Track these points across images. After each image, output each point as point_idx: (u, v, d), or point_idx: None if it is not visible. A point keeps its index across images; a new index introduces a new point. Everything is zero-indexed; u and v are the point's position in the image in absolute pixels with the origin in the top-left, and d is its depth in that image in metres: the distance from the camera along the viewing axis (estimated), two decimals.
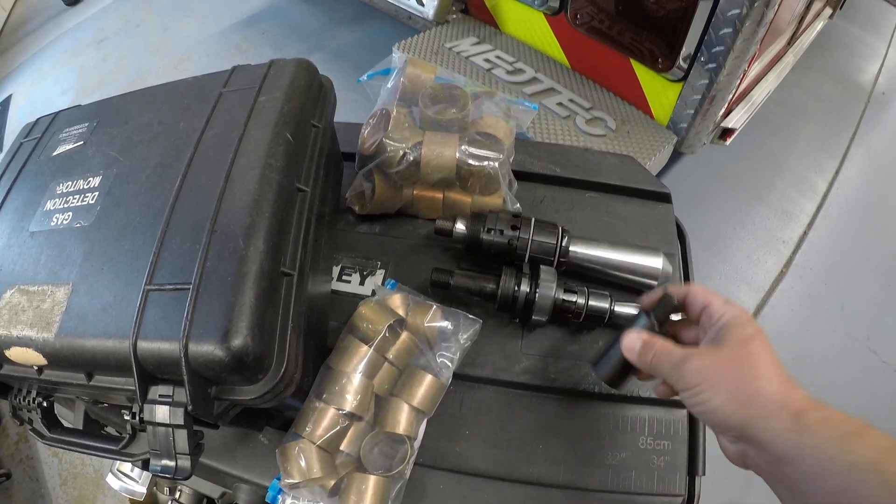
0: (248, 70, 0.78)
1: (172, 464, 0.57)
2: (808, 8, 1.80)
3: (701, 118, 1.45)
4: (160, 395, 0.57)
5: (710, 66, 1.34)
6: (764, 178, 2.46)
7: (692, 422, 0.82)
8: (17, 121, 3.30)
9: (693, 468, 0.80)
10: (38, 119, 0.89)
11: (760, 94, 1.80)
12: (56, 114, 0.88)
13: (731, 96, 1.46)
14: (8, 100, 3.46)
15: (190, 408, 0.55)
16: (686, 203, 2.29)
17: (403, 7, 1.88)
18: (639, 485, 0.73)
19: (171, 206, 0.64)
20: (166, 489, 1.52)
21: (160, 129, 0.75)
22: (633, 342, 0.61)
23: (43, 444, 1.95)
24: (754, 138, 2.51)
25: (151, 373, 0.57)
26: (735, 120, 1.60)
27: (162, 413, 0.57)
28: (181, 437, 0.57)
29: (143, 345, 0.55)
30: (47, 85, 3.40)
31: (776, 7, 1.22)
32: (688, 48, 1.34)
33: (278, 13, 3.15)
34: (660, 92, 1.48)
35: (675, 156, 2.28)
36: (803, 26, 1.95)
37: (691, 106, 1.43)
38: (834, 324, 2.04)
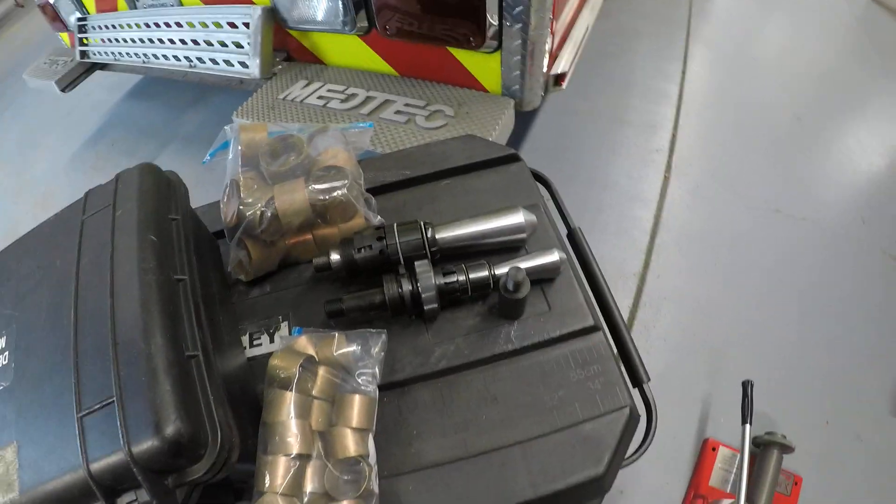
0: (99, 191, 0.87)
1: None
2: None
3: (528, 76, 1.61)
4: (127, 502, 0.65)
5: (517, 26, 1.49)
6: (619, 103, 2.68)
7: (617, 339, 0.95)
8: None
9: (636, 379, 0.93)
10: None
11: (580, 32, 1.98)
12: None
13: (549, 46, 1.63)
14: None
15: (154, 502, 0.63)
16: (555, 152, 2.47)
17: (232, 75, 1.98)
18: (585, 412, 0.83)
19: (73, 337, 0.72)
20: None
21: (41, 273, 0.83)
22: None
23: None
24: (598, 71, 2.74)
25: (111, 487, 0.65)
26: (563, 64, 1.77)
27: None
28: None
29: (96, 466, 0.63)
30: None
31: None
32: (491, 19, 1.49)
33: (122, 119, 3.17)
34: (483, 66, 1.64)
35: (528, 116, 2.46)
36: None
37: (515, 68, 1.59)
38: (730, 204, 2.25)
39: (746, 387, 1.55)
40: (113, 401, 0.64)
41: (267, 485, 0.74)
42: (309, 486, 0.76)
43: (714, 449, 1.57)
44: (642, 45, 2.99)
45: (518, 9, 1.46)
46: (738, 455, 1.53)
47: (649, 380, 0.94)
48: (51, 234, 0.88)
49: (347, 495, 0.75)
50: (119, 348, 0.68)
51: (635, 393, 0.90)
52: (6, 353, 0.77)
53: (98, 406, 0.65)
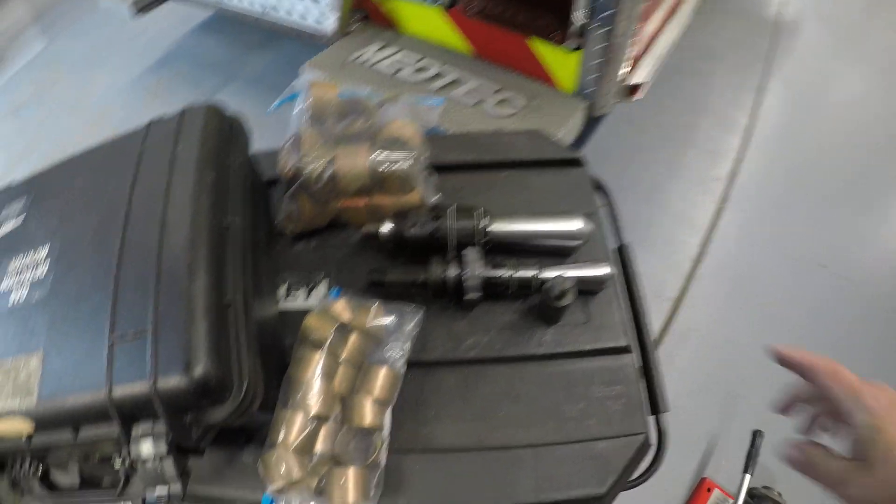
0: (163, 123, 0.86)
1: (165, 491, 0.66)
2: None
3: (605, 81, 1.57)
4: (142, 432, 0.65)
5: (603, 29, 1.45)
6: (687, 123, 2.60)
7: (646, 365, 0.92)
8: None
9: (655, 407, 0.90)
10: None
11: (664, 45, 1.92)
12: None
13: (631, 53, 1.58)
14: None
15: (170, 436, 0.64)
16: (617, 161, 2.41)
17: (305, 29, 1.96)
18: (600, 430, 0.81)
19: (117, 262, 0.71)
20: None
21: (93, 193, 0.83)
22: (793, 456, 0.62)
23: None
24: (671, 87, 2.64)
25: (130, 414, 0.65)
26: (642, 75, 1.72)
27: (147, 447, 0.65)
28: (168, 466, 0.66)
29: (118, 390, 0.63)
30: None
31: None
32: (578, 17, 1.45)
33: (187, 51, 3.17)
34: (561, 63, 1.60)
35: (596, 119, 2.41)
36: None
37: (593, 71, 1.55)
38: (779, 247, 2.18)
39: (755, 437, 1.52)
40: (147, 332, 0.64)
41: (281, 438, 0.74)
42: (319, 447, 0.75)
43: (709, 490, 1.54)
44: (719, 69, 2.88)
45: (607, 12, 1.41)
46: (732, 502, 1.50)
47: (668, 410, 0.92)
48: (108, 156, 0.88)
49: (355, 462, 0.74)
50: (161, 281, 0.68)
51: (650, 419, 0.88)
52: (47, 263, 0.77)
53: (131, 334, 0.65)
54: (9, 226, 0.86)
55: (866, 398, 0.55)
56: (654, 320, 1.93)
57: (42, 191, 0.88)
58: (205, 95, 2.95)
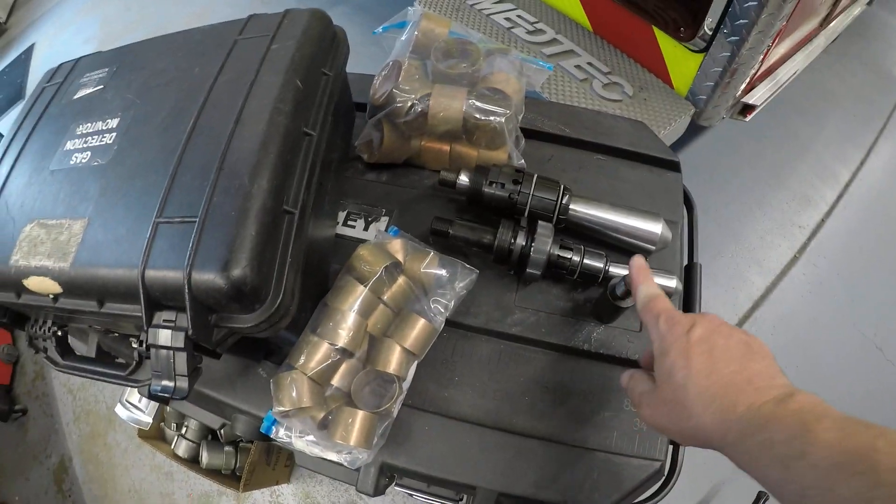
0: (264, 18, 0.80)
1: (171, 384, 0.61)
2: None
3: (721, 91, 1.43)
4: (164, 320, 0.61)
5: (733, 38, 1.31)
6: (786, 160, 2.42)
7: None
8: (39, 69, 3.34)
9: None
10: (60, 65, 0.93)
11: (786, 73, 1.76)
12: (77, 59, 0.92)
13: (753, 71, 1.44)
14: (31, 48, 3.50)
15: (190, 332, 0.59)
16: (703, 177, 2.27)
17: None
18: (619, 445, 0.75)
19: (183, 145, 0.67)
20: (174, 424, 1.60)
21: (176, 74, 0.78)
22: (621, 381, 0.65)
23: (57, 382, 2.04)
24: (779, 118, 2.45)
25: (157, 299, 0.61)
26: (757, 97, 1.57)
27: (164, 336, 0.61)
28: (181, 360, 0.61)
29: (151, 273, 0.59)
30: (70, 34, 3.43)
31: None
32: (711, 18, 1.31)
33: None
34: (681, 61, 1.46)
35: (697, 128, 2.25)
36: (838, 9, 1.89)
37: (711, 78, 1.41)
38: (842, 315, 2.02)
39: (761, 498, 1.46)
40: (195, 221, 0.60)
41: (301, 362, 0.70)
42: (337, 381, 0.71)
43: None
44: (833, 115, 2.65)
45: (742, 21, 1.27)
46: None
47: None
48: (200, 40, 0.82)
49: (367, 406, 0.70)
50: (222, 174, 0.63)
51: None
52: (114, 134, 0.74)
53: (178, 220, 0.61)
54: (87, 90, 0.83)
55: (661, 324, 0.56)
56: None
57: (127, 63, 0.85)
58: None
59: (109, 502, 1.92)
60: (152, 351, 0.61)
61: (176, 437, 1.59)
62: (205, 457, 1.54)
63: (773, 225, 2.22)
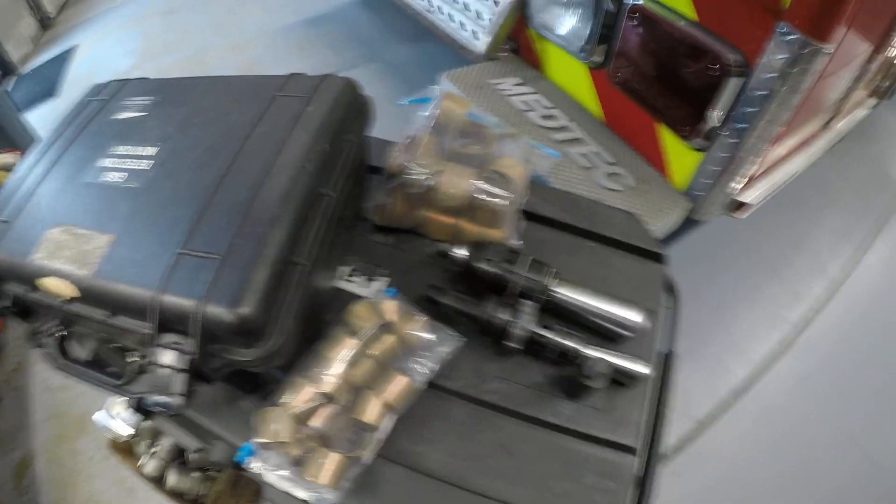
0: (303, 80, 0.89)
1: (168, 400, 0.68)
2: (847, 95, 1.85)
3: (716, 190, 1.52)
4: (170, 342, 0.68)
5: (732, 140, 1.40)
6: (780, 253, 2.48)
7: (646, 473, 0.89)
8: (77, 70, 3.47)
9: None
10: (108, 82, 1.00)
11: (784, 174, 1.84)
12: (125, 81, 1.00)
13: (750, 172, 1.53)
14: (72, 50, 3.64)
15: (194, 357, 0.67)
16: (697, 265, 2.31)
17: (458, 38, 1.99)
18: None
19: (214, 186, 0.75)
20: (144, 442, 1.62)
21: (215, 116, 0.87)
22: None
23: (38, 379, 2.05)
24: (777, 212, 2.49)
25: (167, 322, 0.68)
26: (752, 196, 1.66)
27: (169, 357, 0.68)
28: (179, 380, 0.68)
29: (167, 297, 0.66)
30: (111, 43, 3.56)
31: (804, 94, 1.29)
32: (712, 121, 1.41)
33: (343, 18, 3.28)
34: (681, 158, 1.55)
35: (694, 220, 2.34)
36: (841, 113, 1.99)
37: (709, 176, 1.50)
38: (825, 413, 2.04)
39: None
40: (215, 258, 0.67)
41: (284, 401, 0.76)
42: (316, 422, 0.76)
43: None
44: (830, 210, 2.70)
45: (742, 125, 1.37)
46: None
47: None
48: (243, 89, 0.91)
49: (341, 449, 0.75)
50: (246, 220, 0.70)
51: None
52: (151, 162, 0.80)
53: (200, 253, 0.68)
54: (130, 114, 0.91)
55: None
56: (672, 434, 1.85)
57: (171, 96, 0.92)
58: (344, 66, 3.07)
59: None
60: (154, 368, 0.68)
61: (145, 455, 1.61)
62: (171, 478, 1.55)
63: (763, 316, 2.26)
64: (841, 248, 2.58)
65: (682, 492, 1.77)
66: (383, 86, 2.85)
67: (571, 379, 0.87)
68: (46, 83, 3.45)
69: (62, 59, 3.57)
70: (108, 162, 0.83)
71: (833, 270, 2.49)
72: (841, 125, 2.12)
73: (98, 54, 3.53)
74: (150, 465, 1.58)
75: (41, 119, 3.11)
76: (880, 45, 1.65)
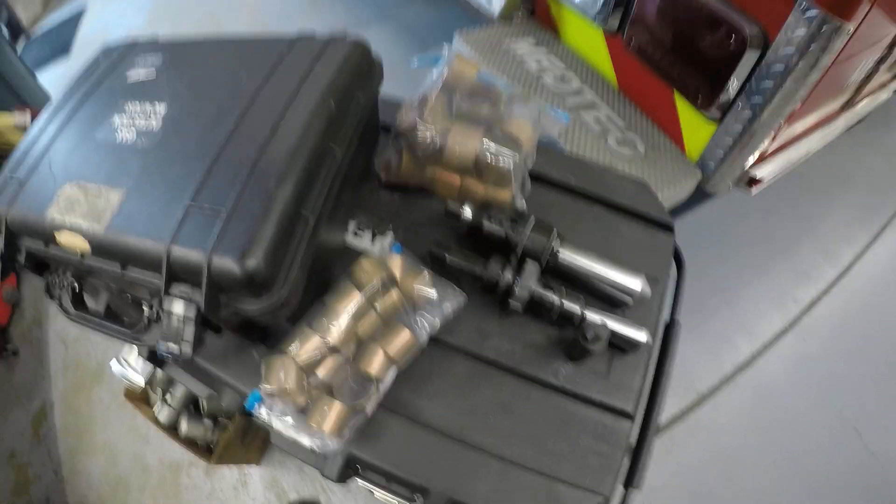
0: (310, 41, 0.90)
1: (177, 348, 0.71)
2: (869, 77, 1.81)
3: (729, 162, 1.51)
4: (180, 292, 0.71)
5: (747, 113, 1.39)
6: (791, 234, 2.47)
7: (640, 439, 0.92)
8: (88, 32, 3.47)
9: (630, 480, 0.90)
10: (118, 44, 1.02)
11: (799, 152, 1.82)
12: (135, 41, 1.01)
13: (764, 147, 1.51)
14: (83, 11, 3.64)
15: (202, 307, 0.69)
16: (706, 240, 2.32)
17: (472, 1, 1.97)
18: (569, 475, 0.82)
19: (222, 143, 0.77)
20: (159, 390, 1.68)
21: (224, 76, 0.88)
22: None
23: (53, 331, 2.12)
24: (790, 194, 2.50)
25: (177, 273, 0.71)
26: (765, 171, 1.64)
27: (179, 306, 0.71)
28: (189, 328, 0.71)
29: (176, 249, 0.69)
30: (122, 4, 3.56)
31: (822, 71, 1.27)
32: (728, 91, 1.39)
33: None
34: (695, 127, 1.54)
35: (706, 195, 2.33)
36: (862, 94, 1.95)
37: (722, 147, 1.49)
38: (824, 394, 2.06)
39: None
40: (222, 212, 0.69)
41: (292, 351, 0.78)
42: (321, 372, 0.79)
43: None
44: (845, 197, 2.69)
45: (758, 98, 1.36)
46: None
47: (640, 488, 0.90)
48: (251, 50, 0.92)
49: (345, 399, 0.78)
50: (253, 176, 0.72)
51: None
52: (161, 121, 0.83)
53: (208, 207, 0.70)
54: (140, 74, 0.92)
55: None
56: (673, 405, 1.88)
57: (180, 57, 0.94)
58: (357, 24, 3.05)
59: (82, 454, 1.98)
60: (165, 316, 0.71)
61: (159, 403, 1.67)
62: (184, 426, 1.62)
63: (769, 295, 2.27)
64: (852, 234, 2.58)
65: (676, 461, 1.81)
66: (396, 46, 2.83)
67: (572, 341, 0.88)
68: (58, 44, 3.47)
69: (73, 20, 3.58)
70: (118, 120, 0.85)
71: (843, 254, 2.49)
72: (860, 107, 2.09)
73: (109, 15, 3.53)
74: (163, 413, 1.65)
75: (54, 79, 3.14)
76: None
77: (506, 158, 0.91)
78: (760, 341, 2.14)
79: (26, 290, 2.39)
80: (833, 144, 2.09)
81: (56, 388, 2.14)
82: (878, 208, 2.71)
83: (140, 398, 1.72)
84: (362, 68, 0.90)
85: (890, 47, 1.63)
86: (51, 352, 2.23)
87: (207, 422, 1.65)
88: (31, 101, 2.74)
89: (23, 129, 2.34)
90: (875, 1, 1.18)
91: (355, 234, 1.00)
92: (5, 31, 2.71)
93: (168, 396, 1.66)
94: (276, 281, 0.72)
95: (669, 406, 1.87)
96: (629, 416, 0.88)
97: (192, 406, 1.70)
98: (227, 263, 0.66)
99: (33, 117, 2.37)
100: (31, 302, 2.37)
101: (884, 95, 2.25)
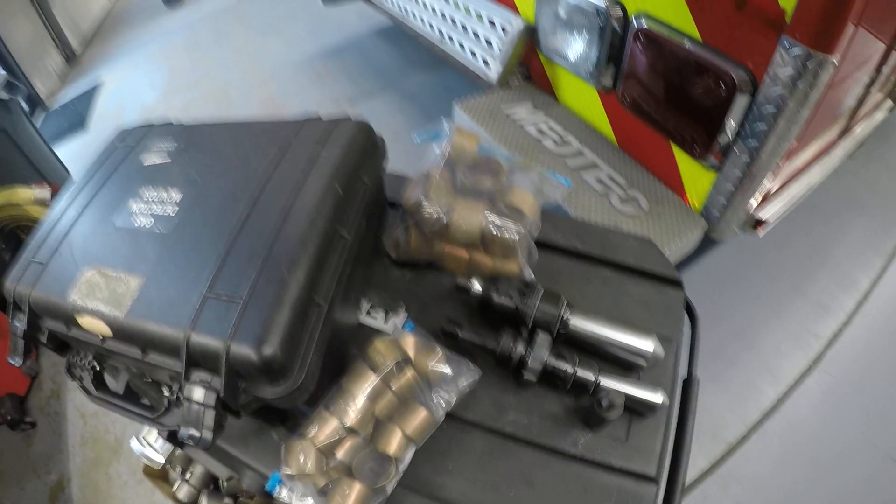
0: (317, 124, 0.94)
1: (198, 434, 0.72)
2: (862, 101, 1.83)
3: (733, 207, 1.52)
4: (200, 379, 0.73)
5: (744, 157, 1.41)
6: (805, 268, 2.44)
7: (669, 500, 0.90)
8: (104, 106, 3.61)
9: None
10: (134, 127, 1.07)
11: (801, 187, 1.83)
12: (150, 126, 1.06)
13: (764, 189, 1.53)
14: (99, 86, 3.79)
15: (222, 394, 0.71)
16: (720, 287, 2.31)
17: (471, 67, 2.04)
18: None
19: (236, 231, 0.79)
20: (179, 468, 1.67)
21: (236, 161, 0.92)
22: None
23: (71, 405, 2.13)
24: (800, 226, 2.47)
25: (196, 360, 0.73)
26: (770, 212, 1.65)
27: (199, 393, 0.72)
28: (209, 416, 0.72)
29: (195, 337, 0.71)
30: (137, 78, 3.72)
31: (813, 105, 1.29)
32: (724, 138, 1.42)
33: (360, 48, 3.38)
34: (696, 177, 1.56)
35: (713, 240, 2.34)
36: (857, 118, 1.97)
37: (724, 195, 1.50)
38: (856, 427, 2.00)
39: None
40: (239, 300, 0.71)
41: (311, 434, 0.79)
42: (341, 455, 0.79)
43: None
44: (856, 222, 2.65)
45: (753, 141, 1.38)
46: None
47: None
48: (261, 135, 0.96)
49: (365, 481, 0.78)
50: (267, 263, 0.74)
51: None
52: (177, 208, 0.86)
53: (225, 296, 0.72)
54: (156, 159, 0.96)
55: None
56: (702, 458, 1.84)
57: (193, 141, 0.98)
58: (362, 94, 3.15)
59: None
60: (185, 403, 0.73)
61: (179, 481, 1.66)
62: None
63: (789, 334, 2.23)
64: (867, 259, 2.54)
65: None
66: (401, 114, 2.93)
67: (588, 409, 0.88)
68: (75, 118, 3.61)
69: (90, 95, 3.73)
70: (135, 206, 0.88)
71: (859, 282, 2.45)
72: (858, 131, 2.10)
73: (124, 89, 3.68)
74: (183, 491, 1.64)
75: (71, 153, 3.26)
76: (893, 45, 1.62)
77: (510, 231, 0.93)
78: (785, 383, 2.10)
79: (45, 363, 2.42)
80: (839, 168, 2.10)
81: (74, 462, 2.14)
82: (889, 228, 2.67)
83: (159, 475, 1.71)
84: (367, 149, 0.94)
85: (877, 68, 1.66)
86: (69, 425, 2.24)
87: (228, 500, 1.64)
88: (50, 175, 2.84)
89: (42, 204, 2.43)
90: (858, 28, 1.20)
91: (369, 313, 1.02)
92: (25, 107, 2.82)
93: (188, 475, 1.66)
94: (293, 366, 0.73)
95: (698, 460, 1.83)
96: (653, 480, 0.87)
97: (212, 485, 1.69)
98: (244, 351, 0.68)
99: (53, 193, 2.46)
100: (50, 374, 2.39)
101: (879, 115, 2.25)
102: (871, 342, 2.26)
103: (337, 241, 0.83)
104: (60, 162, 3.02)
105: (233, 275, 0.75)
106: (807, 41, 1.18)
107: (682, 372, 1.03)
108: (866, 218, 2.70)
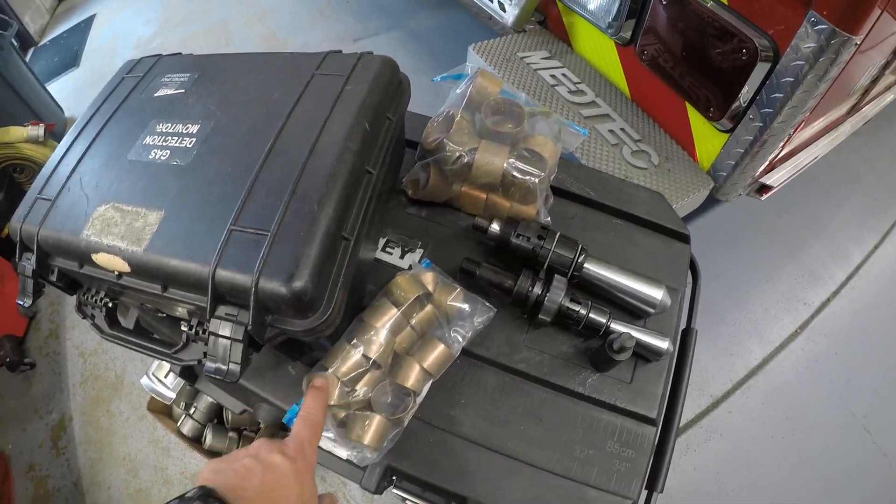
0: (340, 58, 0.92)
1: (225, 368, 0.72)
2: (875, 81, 1.85)
3: (740, 171, 1.54)
4: (226, 314, 0.72)
5: (757, 123, 1.42)
6: (801, 236, 2.50)
7: (661, 444, 0.95)
8: (97, 41, 3.50)
9: (653, 483, 0.92)
10: (141, 58, 1.03)
11: (807, 157, 1.85)
12: (159, 57, 1.02)
13: (773, 155, 1.55)
14: (91, 19, 3.66)
15: (250, 328, 0.71)
16: (718, 244, 2.36)
17: (485, 8, 1.99)
18: (597, 480, 0.86)
19: (260, 164, 0.78)
20: (183, 403, 1.71)
21: (256, 94, 0.89)
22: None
23: (70, 344, 2.13)
24: (800, 196, 2.53)
25: (222, 295, 0.72)
26: (775, 178, 1.68)
27: (226, 328, 0.72)
28: (237, 350, 0.72)
29: (221, 271, 0.70)
30: (131, 13, 3.59)
31: (831, 81, 1.31)
32: (739, 103, 1.43)
33: None
34: (707, 138, 1.58)
35: (716, 199, 2.36)
36: (868, 97, 1.99)
37: (733, 157, 1.52)
38: (835, 394, 2.09)
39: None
40: (266, 234, 0.70)
41: (334, 367, 0.81)
42: (361, 387, 0.82)
43: None
44: (854, 198, 2.73)
45: (768, 109, 1.39)
46: None
47: (662, 491, 0.93)
48: (281, 67, 0.93)
49: (383, 412, 0.81)
50: (294, 198, 0.73)
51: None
52: (194, 139, 0.83)
53: (251, 230, 0.71)
54: (168, 91, 0.93)
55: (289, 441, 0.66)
56: (688, 409, 1.92)
57: (209, 73, 0.95)
58: (367, 32, 3.07)
59: (103, 465, 2.01)
60: (211, 338, 0.73)
61: (183, 416, 1.70)
62: (209, 438, 1.65)
63: (780, 298, 2.30)
64: (861, 234, 2.61)
65: (692, 464, 1.84)
66: (408, 55, 2.87)
67: (598, 351, 0.92)
68: (68, 54, 3.49)
69: (81, 29, 3.61)
70: (150, 139, 0.85)
71: (852, 255, 2.53)
72: (867, 109, 2.12)
73: (117, 24, 3.56)
74: (187, 426, 1.68)
75: (63, 90, 3.17)
76: None
77: (531, 176, 0.95)
78: (772, 344, 2.18)
79: (42, 303, 2.42)
80: (842, 144, 2.12)
81: (75, 401, 2.17)
82: (885, 207, 2.74)
83: (163, 410, 1.75)
84: (392, 86, 0.92)
85: (895, 52, 1.67)
86: (68, 364, 2.26)
87: (232, 434, 1.69)
88: (44, 113, 2.79)
89: (35, 142, 2.39)
90: (883, 11, 1.21)
91: (385, 249, 1.03)
92: (15, 44, 2.74)
93: (192, 410, 1.70)
94: (322, 301, 0.73)
95: (685, 410, 1.90)
96: (653, 422, 0.92)
97: (216, 419, 1.73)
98: (275, 286, 0.68)
99: (47, 131, 2.42)
100: (47, 314, 2.39)
101: (889, 97, 2.28)
102: (857, 314, 2.33)
103: (363, 176, 0.83)
104: (53, 100, 2.96)
105: (259, 208, 0.73)
106: (833, 19, 1.19)
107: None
108: (863, 195, 2.75)
